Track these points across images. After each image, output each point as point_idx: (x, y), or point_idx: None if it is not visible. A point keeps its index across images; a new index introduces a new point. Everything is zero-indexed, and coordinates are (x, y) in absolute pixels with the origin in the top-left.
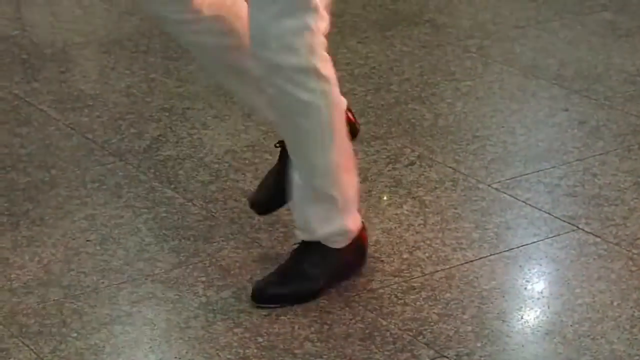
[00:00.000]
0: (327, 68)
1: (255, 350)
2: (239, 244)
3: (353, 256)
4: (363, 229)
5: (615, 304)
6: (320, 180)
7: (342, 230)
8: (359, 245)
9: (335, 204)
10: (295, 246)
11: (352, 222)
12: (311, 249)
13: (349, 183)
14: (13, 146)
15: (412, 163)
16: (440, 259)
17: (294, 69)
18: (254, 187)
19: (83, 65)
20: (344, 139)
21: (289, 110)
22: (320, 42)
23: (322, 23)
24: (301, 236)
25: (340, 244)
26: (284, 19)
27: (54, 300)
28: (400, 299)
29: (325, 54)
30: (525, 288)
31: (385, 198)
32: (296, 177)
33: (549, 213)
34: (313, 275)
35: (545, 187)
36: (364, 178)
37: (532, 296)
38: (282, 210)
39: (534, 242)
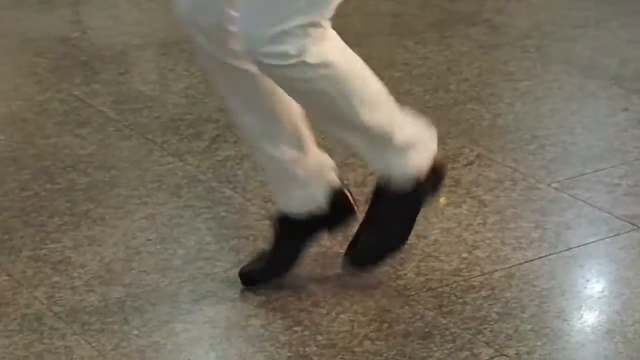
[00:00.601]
0: (321, 55)
1: (314, 349)
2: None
3: (426, 192)
4: (437, 158)
5: None
6: (359, 136)
7: (403, 172)
8: (431, 178)
9: (385, 149)
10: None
11: (414, 161)
12: (382, 198)
13: (393, 128)
14: (73, 147)
15: (471, 163)
16: (499, 258)
17: (284, 67)
18: None
19: (142, 66)
20: (368, 94)
21: (299, 98)
22: (314, 37)
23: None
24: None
25: (406, 187)
26: (271, 19)
27: (115, 298)
28: (460, 298)
29: (324, 41)
30: (585, 287)
31: (443, 198)
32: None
33: (608, 212)
34: (391, 228)
35: (605, 186)
36: None
37: (592, 295)
38: None
39: (594, 242)
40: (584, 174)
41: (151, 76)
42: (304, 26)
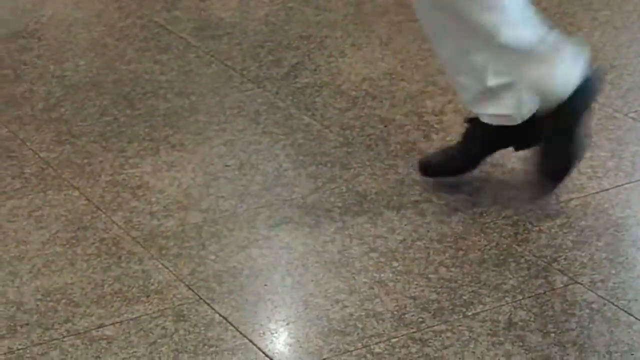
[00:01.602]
0: None
1: (390, 275)
2: (375, 171)
3: (580, 102)
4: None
5: None
6: (488, 48)
7: (549, 87)
8: (584, 88)
9: (526, 64)
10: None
11: (559, 75)
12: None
13: (528, 41)
14: (153, 73)
15: None
16: (575, 187)
17: None
18: (391, 115)
19: None
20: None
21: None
22: None
23: None
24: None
25: (553, 102)
26: None
27: (193, 223)
28: (535, 226)
29: None
30: None
31: None
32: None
33: None
34: (552, 147)
35: None
36: None
37: None
38: (418, 137)
39: None
40: None
41: (232, 3)
42: None
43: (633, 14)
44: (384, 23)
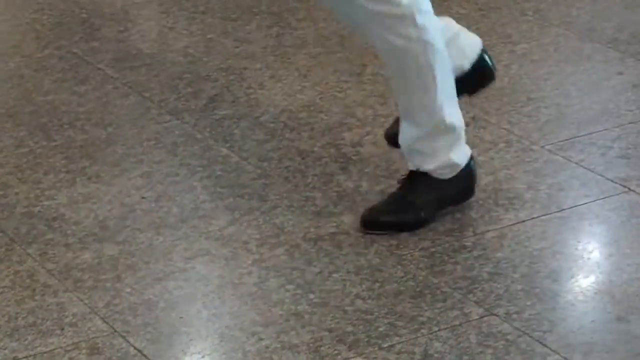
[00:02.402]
0: (426, 19)
1: (307, 307)
2: (292, 203)
3: (460, 187)
4: (472, 161)
5: None
6: (424, 117)
7: (448, 164)
8: (466, 176)
9: (440, 139)
10: (403, 177)
11: (459, 155)
12: (418, 180)
13: (453, 119)
14: (71, 104)
15: (467, 124)
16: (492, 219)
17: (390, 16)
18: (309, 147)
19: (142, 24)
20: (448, 87)
21: (388, 55)
22: None
23: None
24: (410, 167)
25: (446, 175)
26: None
27: (109, 255)
28: (452, 258)
29: (428, 7)
30: (576, 248)
31: None
32: (403, 114)
33: (601, 175)
34: (420, 205)
35: (598, 149)
36: None
37: (583, 256)
38: (335, 170)
39: (586, 203)
40: (577, 137)
41: (151, 34)
42: None
43: (550, 47)
44: (303, 55)
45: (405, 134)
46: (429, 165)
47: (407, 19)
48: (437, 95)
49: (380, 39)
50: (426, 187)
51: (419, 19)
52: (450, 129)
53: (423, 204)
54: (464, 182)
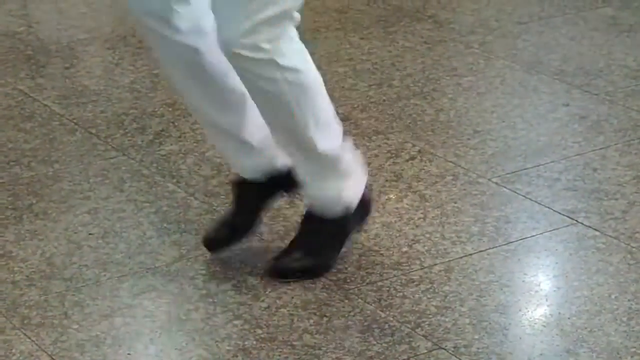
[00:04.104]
0: (292, 59)
1: (254, 342)
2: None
3: (354, 222)
4: (367, 193)
5: (613, 296)
6: (302, 156)
7: (337, 198)
8: (361, 208)
9: (325, 173)
10: (302, 216)
11: (349, 190)
12: (313, 221)
13: (337, 155)
14: (17, 141)
15: (413, 157)
16: (439, 252)
17: (252, 60)
18: None
19: (87, 61)
20: (323, 120)
21: (258, 97)
22: (286, 34)
23: (292, 21)
24: (305, 202)
25: (337, 213)
26: (252, 16)
27: (56, 292)
28: (399, 292)
29: (295, 44)
30: (524, 281)
31: (386, 193)
32: (284, 149)
33: (548, 207)
34: (320, 250)
35: (545, 181)
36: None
37: (531, 289)
38: (283, 204)
39: (533, 236)
40: (524, 169)
41: (96, 71)
42: (277, 16)
43: (496, 79)
44: None
45: (297, 166)
46: (318, 200)
47: (271, 63)
48: (313, 131)
49: (246, 80)
50: (323, 229)
51: (282, 62)
52: (328, 157)
53: (323, 246)
54: (359, 212)
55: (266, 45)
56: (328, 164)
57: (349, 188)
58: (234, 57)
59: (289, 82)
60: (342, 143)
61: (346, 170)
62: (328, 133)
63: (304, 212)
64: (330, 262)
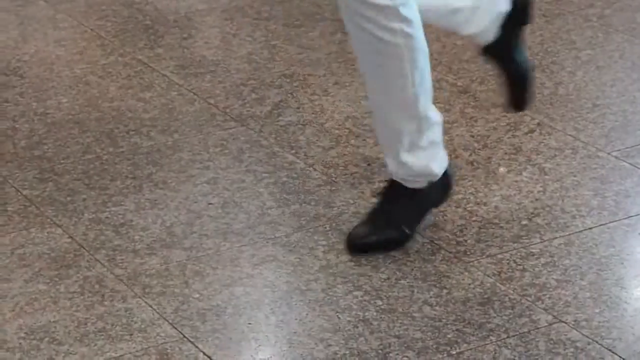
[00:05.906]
0: (411, 12)
1: (374, 313)
2: (359, 209)
3: (436, 196)
4: (450, 171)
5: None
6: (399, 117)
7: (424, 172)
8: (443, 184)
9: (415, 144)
10: (381, 191)
11: (436, 163)
12: (396, 191)
13: (431, 124)
14: (137, 111)
15: (532, 131)
16: (559, 226)
17: (375, 7)
18: (374, 153)
19: (205, 31)
20: (427, 82)
21: (369, 49)
22: None
23: None
24: (388, 174)
25: (421, 184)
26: None
27: (176, 261)
28: (519, 265)
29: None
30: None
31: (502, 167)
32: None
33: None
34: (401, 219)
35: None
36: (483, 145)
37: None
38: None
39: None
40: None
41: (215, 41)
42: None
43: (615, 53)
44: None
45: (381, 134)
46: (402, 172)
47: (392, 11)
48: (416, 94)
49: (362, 30)
50: (405, 200)
51: (403, 11)
52: (426, 121)
53: (404, 218)
54: (440, 189)
55: None
56: (422, 127)
57: (436, 159)
58: (354, 3)
59: (405, 34)
60: (438, 114)
61: (435, 142)
62: (429, 97)
63: (386, 182)
64: (410, 234)
